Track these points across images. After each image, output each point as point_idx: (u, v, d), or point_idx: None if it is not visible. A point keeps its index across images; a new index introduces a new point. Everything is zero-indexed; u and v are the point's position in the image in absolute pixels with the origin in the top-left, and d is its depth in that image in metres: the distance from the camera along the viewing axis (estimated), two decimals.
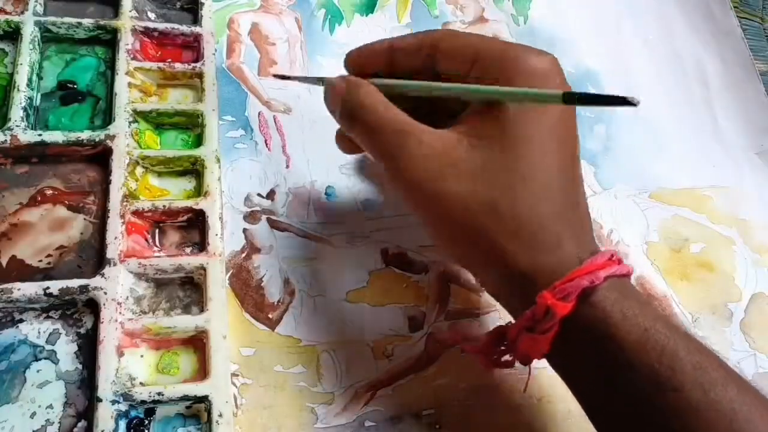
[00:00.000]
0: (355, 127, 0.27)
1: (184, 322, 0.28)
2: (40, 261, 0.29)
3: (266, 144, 0.35)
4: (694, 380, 0.22)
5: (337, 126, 0.29)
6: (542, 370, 0.32)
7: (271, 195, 0.34)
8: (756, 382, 0.34)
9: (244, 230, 0.33)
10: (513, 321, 0.25)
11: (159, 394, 0.27)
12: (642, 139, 0.41)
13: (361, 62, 0.29)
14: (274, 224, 0.33)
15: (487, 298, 0.33)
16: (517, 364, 0.26)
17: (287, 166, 0.35)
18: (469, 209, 0.24)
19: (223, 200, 0.32)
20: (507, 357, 0.27)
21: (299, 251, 0.33)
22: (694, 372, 0.22)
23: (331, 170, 0.35)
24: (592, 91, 0.42)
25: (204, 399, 0.27)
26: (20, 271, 0.29)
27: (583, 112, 0.41)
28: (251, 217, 0.33)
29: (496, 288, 0.27)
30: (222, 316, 0.29)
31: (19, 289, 0.27)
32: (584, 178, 0.39)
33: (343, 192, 0.35)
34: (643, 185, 0.39)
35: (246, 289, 0.31)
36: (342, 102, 0.27)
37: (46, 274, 0.29)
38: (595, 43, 0.44)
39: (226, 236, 0.32)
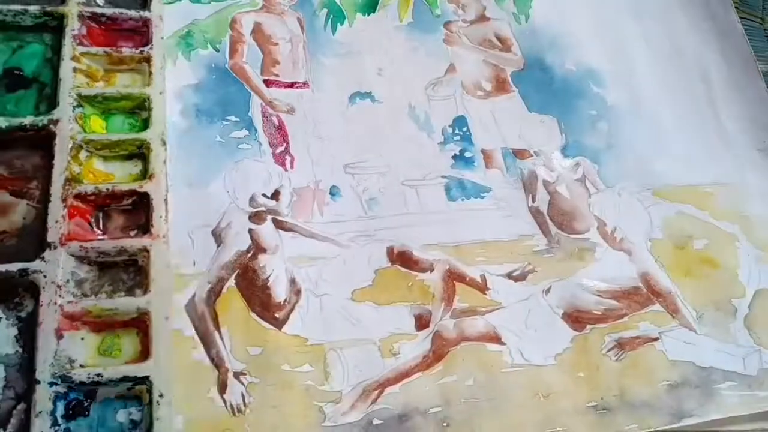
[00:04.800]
0: None
1: (125, 304, 0.28)
2: None
3: (270, 144, 0.35)
4: None
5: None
6: (549, 367, 0.32)
7: (275, 195, 0.34)
8: (761, 377, 0.34)
9: (250, 230, 0.33)
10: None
11: (98, 375, 0.27)
12: (645, 137, 0.41)
13: None
14: (279, 224, 0.33)
15: (492, 295, 0.33)
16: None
17: (291, 167, 0.35)
18: None
19: (226, 194, 0.32)
20: None
21: (305, 251, 0.33)
22: None
23: (335, 170, 0.35)
24: (595, 89, 0.42)
25: (145, 380, 0.27)
26: None
27: (586, 110, 0.41)
28: (256, 217, 0.33)
29: None
30: (165, 296, 0.29)
31: None
32: (588, 175, 0.39)
33: (348, 191, 0.35)
34: (646, 182, 0.39)
35: (252, 288, 0.31)
36: None
37: None
38: (596, 41, 0.44)
39: (231, 236, 0.32)
